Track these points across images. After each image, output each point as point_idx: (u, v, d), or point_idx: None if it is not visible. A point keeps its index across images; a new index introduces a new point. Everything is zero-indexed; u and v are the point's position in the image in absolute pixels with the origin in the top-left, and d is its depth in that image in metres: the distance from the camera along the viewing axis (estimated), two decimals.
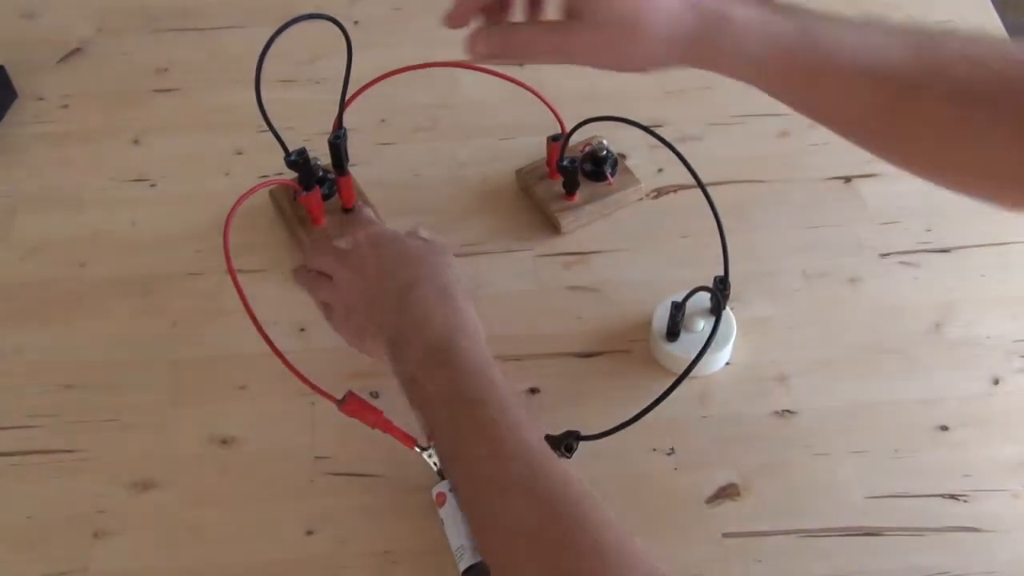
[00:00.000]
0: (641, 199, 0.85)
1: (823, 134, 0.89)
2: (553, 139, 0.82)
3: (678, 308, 0.72)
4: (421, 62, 0.81)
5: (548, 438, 0.67)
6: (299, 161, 0.77)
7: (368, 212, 0.80)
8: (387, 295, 0.66)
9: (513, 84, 0.82)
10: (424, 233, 0.73)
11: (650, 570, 0.51)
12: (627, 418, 0.63)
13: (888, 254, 0.81)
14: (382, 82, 0.78)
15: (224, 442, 0.72)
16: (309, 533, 0.68)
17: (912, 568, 0.65)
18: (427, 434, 0.65)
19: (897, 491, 0.68)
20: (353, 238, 0.71)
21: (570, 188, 0.82)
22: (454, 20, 0.60)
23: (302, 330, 0.78)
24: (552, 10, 0.61)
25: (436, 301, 0.65)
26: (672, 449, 0.71)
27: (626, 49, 0.59)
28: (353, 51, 0.74)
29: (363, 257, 0.69)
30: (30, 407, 0.74)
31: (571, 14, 0.58)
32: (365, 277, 0.68)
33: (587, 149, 0.84)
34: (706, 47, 0.59)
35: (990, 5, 1.00)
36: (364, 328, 0.69)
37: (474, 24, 0.60)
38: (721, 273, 0.72)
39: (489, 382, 0.59)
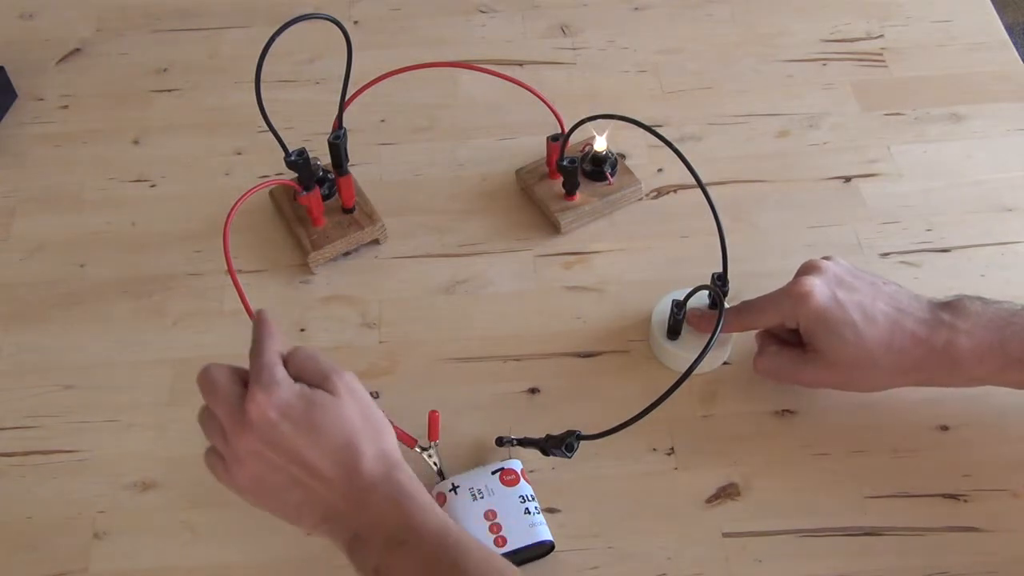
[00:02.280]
0: (641, 199, 0.85)
1: (823, 134, 0.90)
2: (553, 139, 0.82)
3: (679, 306, 0.72)
4: (421, 62, 0.81)
5: (549, 437, 0.67)
6: (299, 161, 0.77)
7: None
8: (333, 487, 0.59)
9: (513, 84, 0.82)
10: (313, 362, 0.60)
11: None
12: (627, 418, 0.63)
13: (888, 254, 0.81)
14: (382, 82, 0.78)
15: None
16: (309, 533, 0.68)
17: (912, 568, 0.65)
18: None
19: (897, 491, 0.68)
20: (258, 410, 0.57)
21: (570, 188, 0.82)
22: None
23: (302, 330, 0.78)
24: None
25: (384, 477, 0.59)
26: (672, 449, 0.71)
27: (857, 381, 0.68)
28: (353, 51, 0.74)
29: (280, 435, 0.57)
30: (30, 407, 0.74)
31: (811, 350, 0.68)
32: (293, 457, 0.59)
33: (587, 149, 0.84)
34: (932, 374, 0.67)
35: (990, 5, 1.00)
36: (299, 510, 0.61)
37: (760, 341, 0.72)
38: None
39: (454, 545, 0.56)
